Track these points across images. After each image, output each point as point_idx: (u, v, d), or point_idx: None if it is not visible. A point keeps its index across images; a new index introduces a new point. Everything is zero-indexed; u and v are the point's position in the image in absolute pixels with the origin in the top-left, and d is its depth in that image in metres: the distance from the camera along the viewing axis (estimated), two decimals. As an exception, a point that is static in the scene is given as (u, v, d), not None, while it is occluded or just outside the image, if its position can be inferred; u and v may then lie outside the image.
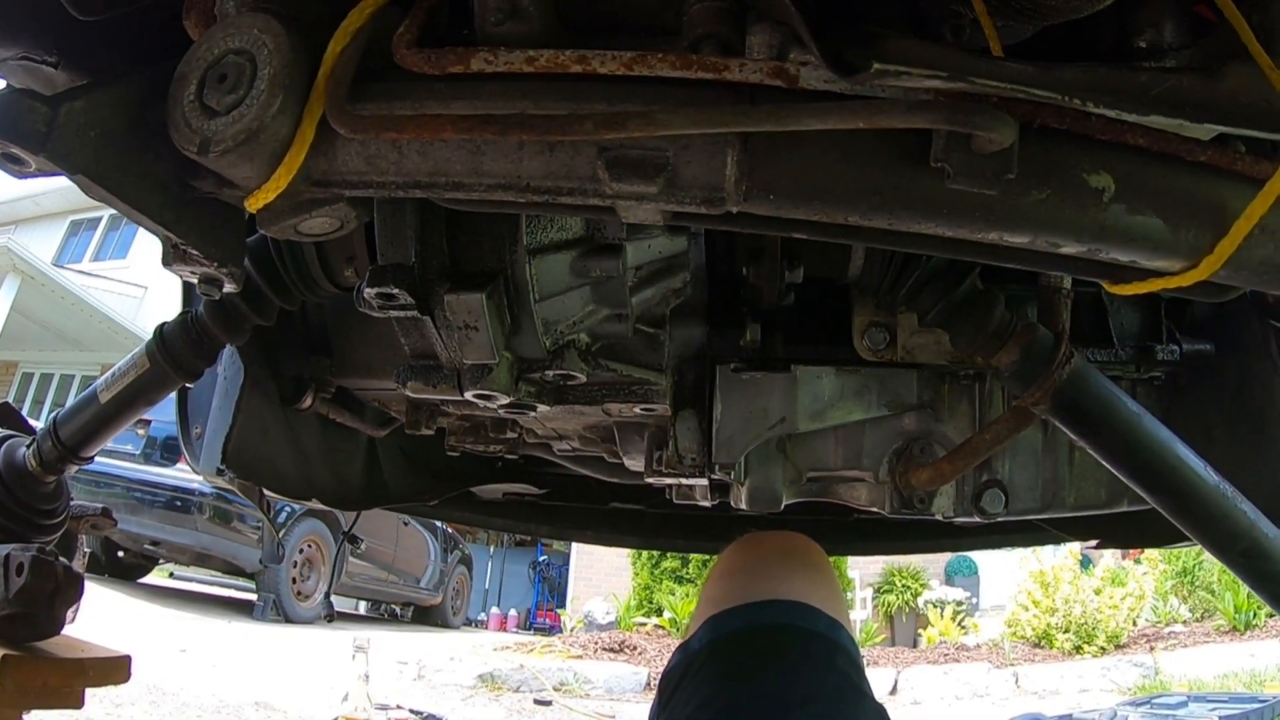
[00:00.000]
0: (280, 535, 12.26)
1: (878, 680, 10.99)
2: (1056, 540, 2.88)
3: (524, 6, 1.02)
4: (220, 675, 7.66)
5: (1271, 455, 1.90)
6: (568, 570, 20.66)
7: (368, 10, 1.05)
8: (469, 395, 1.56)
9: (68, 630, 2.13)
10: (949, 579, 17.28)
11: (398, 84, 1.06)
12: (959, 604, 15.99)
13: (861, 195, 1.08)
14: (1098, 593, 13.15)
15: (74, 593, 2.01)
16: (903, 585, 16.34)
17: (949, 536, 3.14)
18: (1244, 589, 12.95)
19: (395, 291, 1.37)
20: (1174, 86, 1.09)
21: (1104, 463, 1.59)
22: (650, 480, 1.97)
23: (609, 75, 0.99)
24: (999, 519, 1.98)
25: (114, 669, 2.12)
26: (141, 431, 12.24)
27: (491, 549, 29.05)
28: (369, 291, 1.38)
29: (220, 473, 2.05)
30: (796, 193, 1.08)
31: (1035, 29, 1.37)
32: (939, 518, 1.97)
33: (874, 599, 16.55)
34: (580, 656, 12.02)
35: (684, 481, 1.99)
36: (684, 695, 1.45)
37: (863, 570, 16.46)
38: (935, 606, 15.72)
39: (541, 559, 28.61)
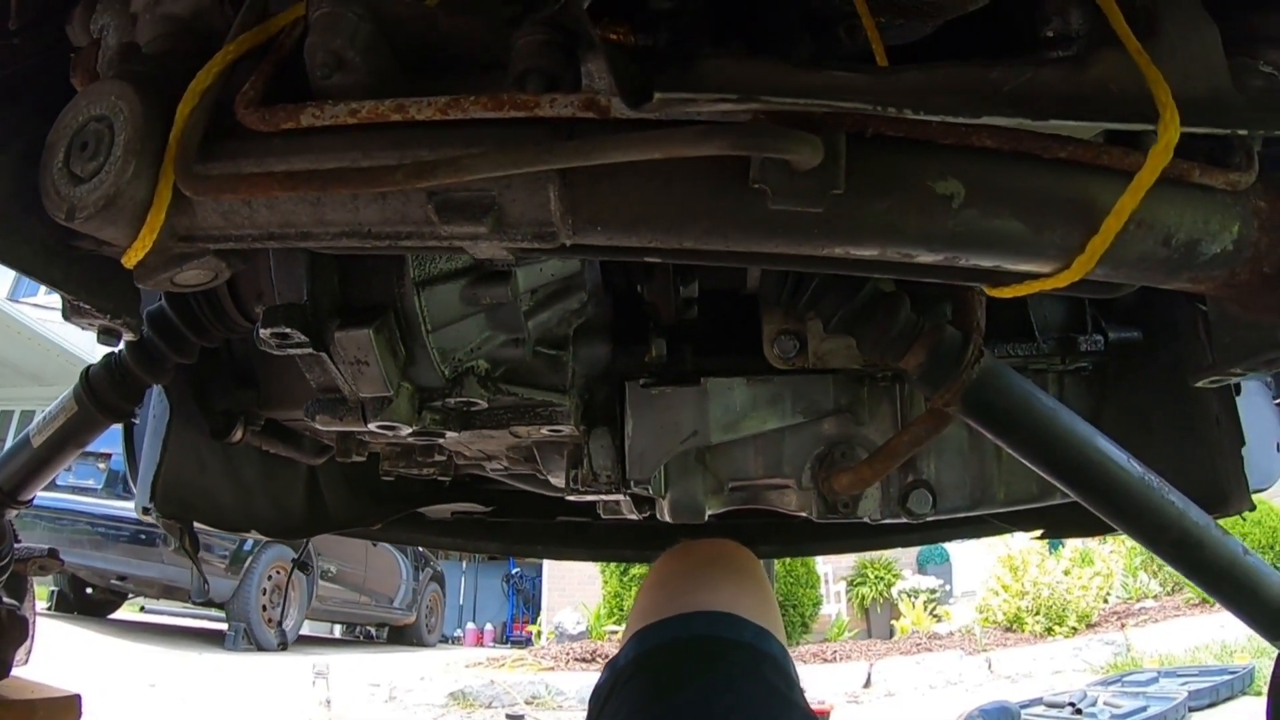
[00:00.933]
0: (246, 563, 12.19)
1: (851, 674, 11.05)
2: (1003, 531, 2.89)
3: (349, 59, 1.04)
4: (189, 709, 7.61)
5: (1209, 439, 1.93)
6: (541, 582, 20.65)
7: (214, 70, 1.07)
8: (372, 427, 1.58)
9: (19, 671, 2.14)
10: (921, 568, 17.38)
11: (244, 142, 1.09)
12: (932, 592, 16.09)
13: (690, 221, 1.09)
14: (1066, 574, 13.27)
15: (19, 634, 2.01)
16: (875, 577, 16.41)
17: (898, 532, 3.14)
18: (1210, 561, 13.09)
19: (289, 331, 1.39)
20: (1030, 81, 1.08)
21: (1023, 460, 1.60)
22: (572, 498, 1.98)
23: (429, 121, 1.01)
24: (929, 518, 2.00)
25: (64, 709, 2.13)
26: (102, 466, 12.13)
27: (464, 564, 29.04)
28: (264, 332, 1.40)
29: (147, 511, 2.06)
30: (623, 223, 1.09)
31: (933, 26, 1.39)
32: (866, 520, 1.98)
33: (848, 592, 16.62)
34: (552, 668, 11.99)
35: (604, 497, 2.00)
36: (610, 712, 1.44)
37: (835, 565, 16.53)
38: (908, 596, 15.80)
39: (515, 571, 28.64)
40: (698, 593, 1.62)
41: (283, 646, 13.07)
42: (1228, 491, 1.90)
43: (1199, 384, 1.46)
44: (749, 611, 1.55)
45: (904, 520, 2.00)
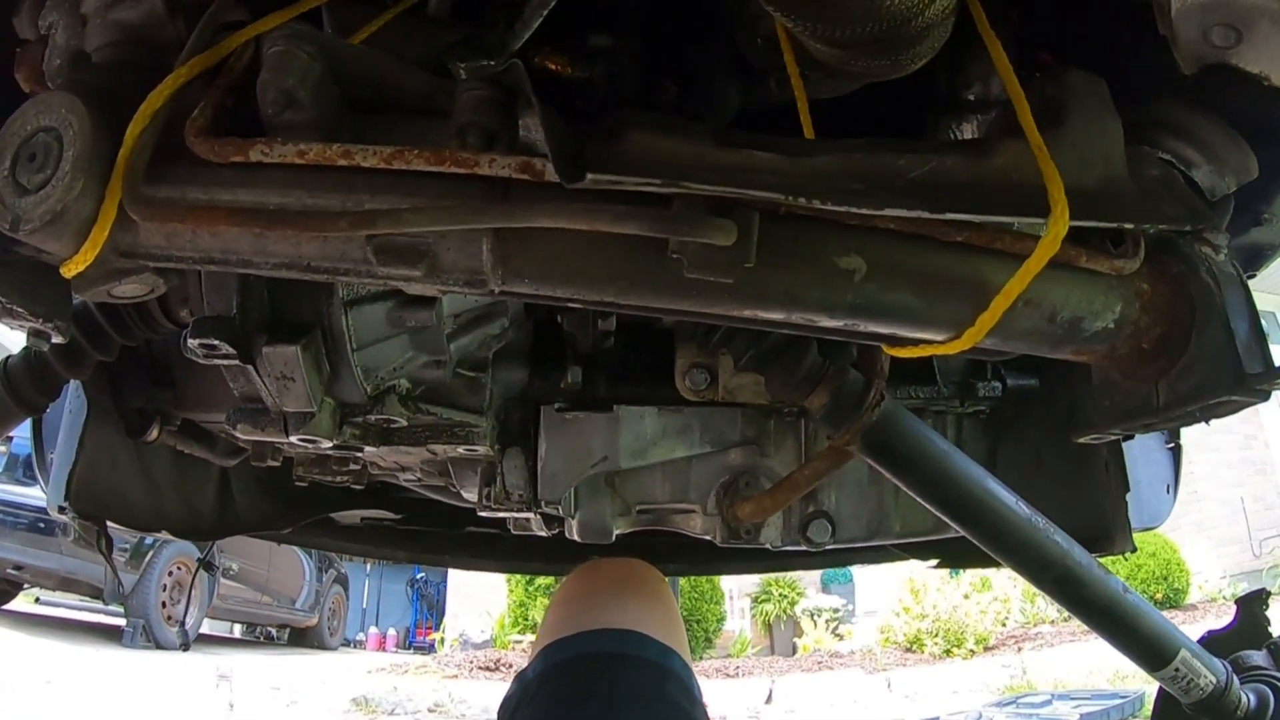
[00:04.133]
0: (147, 558, 11.88)
1: (753, 690, 11.14)
2: (901, 559, 2.96)
3: (300, 98, 1.08)
4: (87, 708, 7.44)
5: (1098, 483, 2.03)
6: (446, 587, 20.45)
7: (165, 92, 1.09)
8: (293, 439, 1.61)
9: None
10: (825, 587, 17.52)
11: (192, 167, 1.11)
12: (835, 611, 16.24)
13: (611, 280, 1.14)
14: (966, 597, 13.52)
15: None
16: (779, 595, 16.51)
17: (802, 555, 3.17)
18: (1107, 589, 13.42)
19: (216, 343, 1.40)
20: (934, 169, 1.14)
21: (917, 497, 1.69)
22: (483, 514, 2.02)
23: (373, 169, 1.06)
24: (828, 546, 2.06)
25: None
26: (2, 449, 11.70)
27: (368, 567, 28.44)
28: (192, 342, 1.42)
29: (63, 510, 2.05)
30: (550, 277, 1.15)
31: (859, 85, 1.46)
32: (768, 547, 2.04)
33: (752, 609, 16.72)
34: (455, 676, 11.93)
35: (515, 515, 2.05)
36: None
37: (740, 581, 16.59)
38: (810, 616, 15.92)
39: (419, 576, 28.22)
40: (606, 610, 1.67)
41: (184, 648, 12.68)
42: (1113, 532, 1.99)
43: (1080, 440, 1.54)
44: (655, 631, 1.60)
45: (804, 548, 2.06)
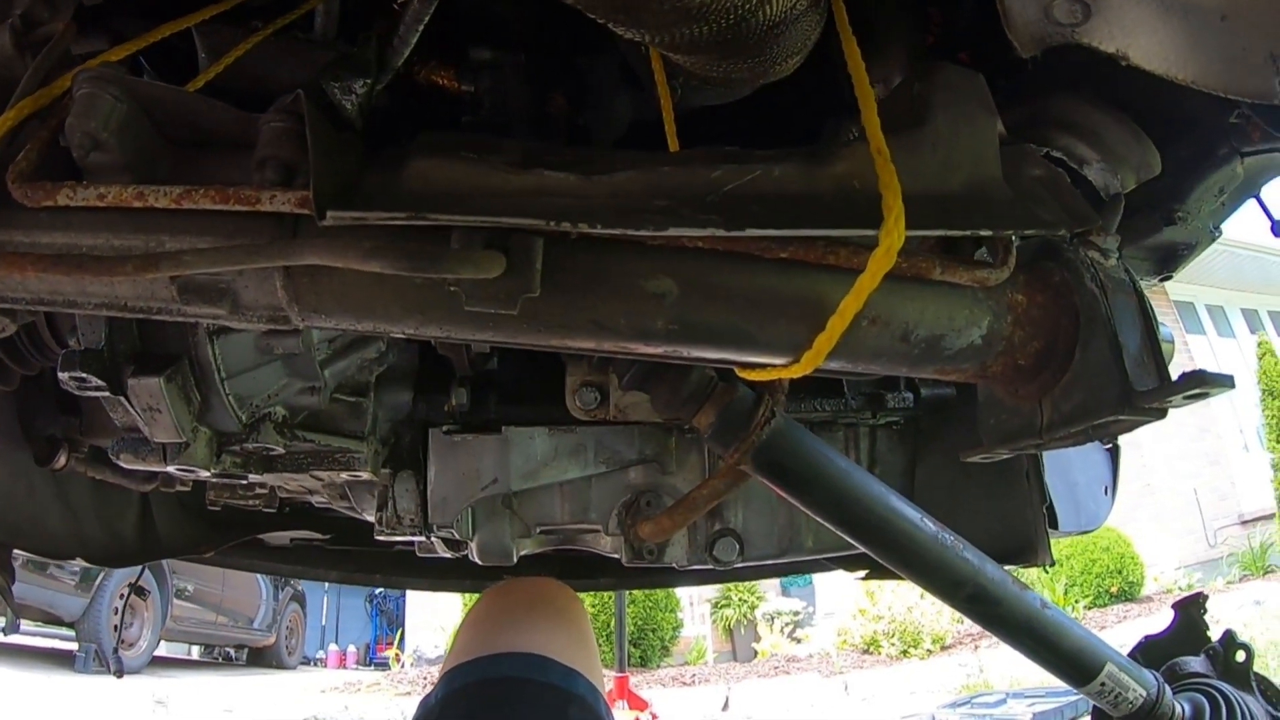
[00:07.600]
0: (98, 580, 11.69)
1: (710, 697, 11.14)
2: (831, 569, 2.92)
3: (104, 140, 1.07)
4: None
5: (1019, 493, 1.99)
6: (405, 602, 20.31)
7: (-8, 135, 1.08)
8: (171, 469, 1.59)
9: None
10: (785, 590, 17.51)
11: (16, 211, 1.10)
12: (795, 614, 16.24)
13: (405, 313, 1.12)
14: (921, 597, 13.53)
15: None
16: (739, 599, 16.50)
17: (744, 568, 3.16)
18: (1060, 585, 13.53)
19: (85, 375, 1.38)
20: (756, 181, 1.07)
21: (816, 517, 1.61)
22: (380, 539, 2.00)
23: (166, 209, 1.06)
24: (737, 565, 2.04)
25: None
26: None
27: (326, 584, 28.23)
28: (62, 375, 1.40)
29: None
30: (344, 312, 1.14)
31: (748, 90, 1.44)
32: (674, 566, 2.02)
33: (712, 614, 16.70)
34: (409, 694, 11.86)
35: (411, 539, 2.03)
36: None
37: (699, 587, 16.59)
38: (768, 620, 15.93)
39: (378, 591, 27.96)
40: (510, 633, 1.67)
41: (118, 675, 12.41)
42: (1035, 543, 1.95)
43: (967, 459, 1.48)
44: (561, 653, 1.61)
45: (711, 567, 2.04)
